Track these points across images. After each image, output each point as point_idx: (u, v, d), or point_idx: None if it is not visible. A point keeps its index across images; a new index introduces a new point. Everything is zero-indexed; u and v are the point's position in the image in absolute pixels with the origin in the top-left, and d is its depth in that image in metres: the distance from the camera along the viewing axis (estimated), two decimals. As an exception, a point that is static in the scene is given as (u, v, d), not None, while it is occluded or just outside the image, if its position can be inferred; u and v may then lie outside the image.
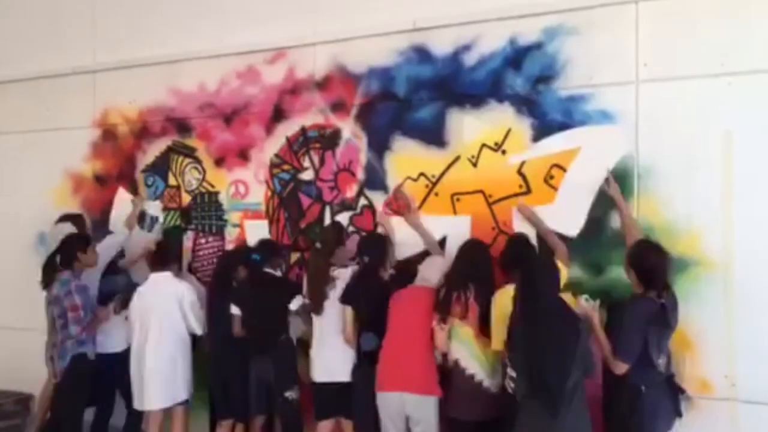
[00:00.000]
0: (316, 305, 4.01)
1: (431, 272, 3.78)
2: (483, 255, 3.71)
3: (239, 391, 4.24)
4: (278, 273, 4.33)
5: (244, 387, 4.22)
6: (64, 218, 5.03)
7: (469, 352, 3.51)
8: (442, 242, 4.12)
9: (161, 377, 4.20)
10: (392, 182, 4.36)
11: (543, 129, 3.93)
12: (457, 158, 4.15)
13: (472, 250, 3.73)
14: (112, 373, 4.48)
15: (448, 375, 3.58)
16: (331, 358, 3.98)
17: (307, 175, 4.67)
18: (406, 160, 4.30)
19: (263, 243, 4.42)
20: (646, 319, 3.15)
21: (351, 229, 4.46)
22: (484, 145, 4.09)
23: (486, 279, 3.60)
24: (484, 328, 3.50)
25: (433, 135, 4.22)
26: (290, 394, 4.09)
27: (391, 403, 3.58)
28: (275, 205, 4.77)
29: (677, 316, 3.27)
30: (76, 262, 4.36)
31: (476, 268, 3.62)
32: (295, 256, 4.67)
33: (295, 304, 4.14)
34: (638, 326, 3.15)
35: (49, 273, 4.42)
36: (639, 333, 3.14)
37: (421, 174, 4.26)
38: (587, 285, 3.71)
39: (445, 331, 3.51)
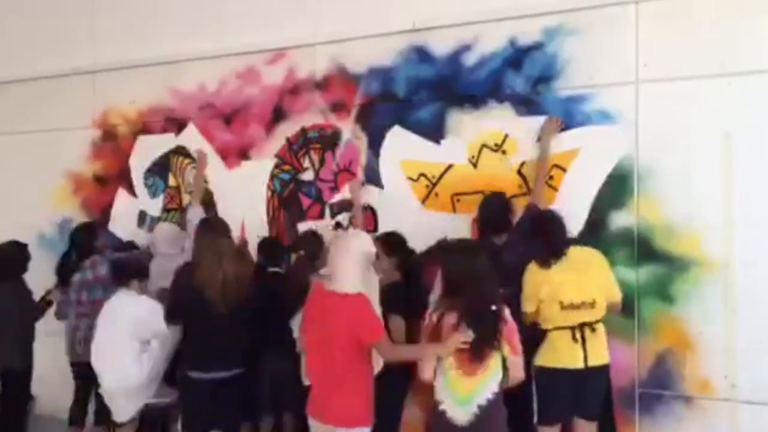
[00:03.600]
0: None
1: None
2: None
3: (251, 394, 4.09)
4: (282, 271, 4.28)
5: (255, 388, 4.09)
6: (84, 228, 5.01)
7: None
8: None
9: None
10: (390, 182, 4.37)
11: (543, 129, 3.93)
12: (451, 166, 4.17)
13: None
14: None
15: None
16: None
17: (307, 176, 4.67)
18: (407, 160, 4.30)
19: (265, 242, 4.42)
20: None
21: (351, 229, 4.46)
22: (484, 145, 4.09)
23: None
24: None
25: (433, 135, 4.22)
26: None
27: None
28: (275, 206, 4.77)
29: None
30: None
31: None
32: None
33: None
34: None
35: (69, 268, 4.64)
36: None
37: (421, 174, 4.26)
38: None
39: None
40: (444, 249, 3.34)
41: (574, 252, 3.43)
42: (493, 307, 2.94)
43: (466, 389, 2.93)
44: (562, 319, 3.35)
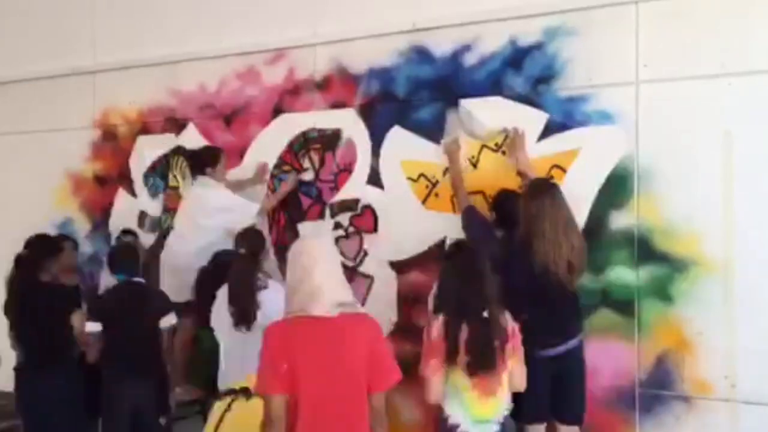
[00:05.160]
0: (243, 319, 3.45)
1: None
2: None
3: None
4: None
5: None
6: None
7: None
8: (442, 243, 4.11)
9: None
10: (390, 182, 4.36)
11: (543, 130, 3.92)
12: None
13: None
14: None
15: None
16: None
17: (308, 176, 4.67)
18: (407, 160, 4.30)
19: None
20: None
21: (351, 229, 4.47)
22: (484, 145, 4.09)
23: None
24: None
25: (434, 136, 4.22)
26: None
27: None
28: (275, 206, 4.76)
29: None
30: None
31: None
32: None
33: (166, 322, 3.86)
34: None
35: None
36: None
37: (421, 175, 4.26)
38: (587, 285, 3.72)
39: None
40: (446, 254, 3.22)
41: None
42: (485, 314, 2.81)
43: (487, 411, 2.82)
44: None
